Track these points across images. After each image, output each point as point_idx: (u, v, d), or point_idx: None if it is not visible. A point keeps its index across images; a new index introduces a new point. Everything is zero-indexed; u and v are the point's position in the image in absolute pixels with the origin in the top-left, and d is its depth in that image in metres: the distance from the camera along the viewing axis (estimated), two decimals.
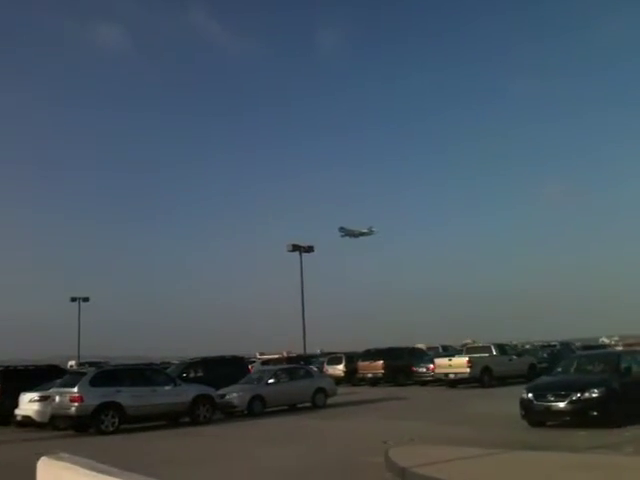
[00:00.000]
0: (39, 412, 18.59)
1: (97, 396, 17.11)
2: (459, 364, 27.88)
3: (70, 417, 17.18)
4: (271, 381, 21.56)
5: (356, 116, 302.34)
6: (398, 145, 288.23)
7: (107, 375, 18.44)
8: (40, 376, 21.53)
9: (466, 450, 10.28)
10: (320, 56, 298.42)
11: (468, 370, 27.42)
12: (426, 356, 34.50)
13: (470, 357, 28.07)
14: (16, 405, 19.34)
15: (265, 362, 40.98)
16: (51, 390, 18.56)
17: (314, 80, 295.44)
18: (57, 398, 17.49)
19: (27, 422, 19.06)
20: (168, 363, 70.30)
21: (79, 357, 70.61)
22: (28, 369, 23.25)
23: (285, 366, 25.49)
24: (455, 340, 56.08)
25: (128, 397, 17.59)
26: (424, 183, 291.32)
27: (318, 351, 66.21)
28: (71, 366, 78.14)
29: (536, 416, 13.78)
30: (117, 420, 17.24)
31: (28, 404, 18.98)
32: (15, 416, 19.32)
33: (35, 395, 18.91)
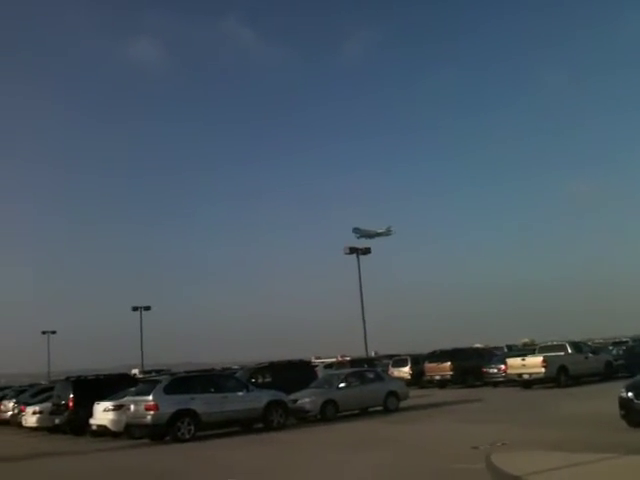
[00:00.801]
0: (114, 421, 18.59)
1: (172, 404, 16.96)
2: (533, 364, 26.79)
3: (146, 426, 17.07)
4: (342, 385, 21.09)
5: (376, 119, 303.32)
6: (428, 143, 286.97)
7: (181, 382, 18.29)
8: (112, 385, 21.65)
9: (574, 456, 9.51)
10: (345, 61, 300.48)
11: (543, 370, 26.33)
12: (494, 356, 33.46)
13: (545, 356, 26.95)
14: (89, 415, 19.42)
15: (328, 366, 40.55)
16: (125, 399, 18.54)
17: (339, 84, 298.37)
18: (132, 407, 17.41)
19: (102, 431, 19.12)
20: (229, 369, 71.07)
21: (142, 365, 71.46)
22: (99, 379, 23.43)
23: (355, 370, 24.94)
24: (505, 339, 54.03)
25: (202, 404, 17.39)
26: (459, 182, 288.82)
27: (373, 353, 65.31)
28: (134, 374, 79.66)
29: (637, 416, 12.85)
30: (193, 427, 17.05)
31: (103, 413, 19.01)
32: (90, 426, 19.41)
33: (109, 404, 18.92)
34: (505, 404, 22.06)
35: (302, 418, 20.27)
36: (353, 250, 46.94)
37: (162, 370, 79.06)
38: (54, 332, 79.71)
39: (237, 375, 25.34)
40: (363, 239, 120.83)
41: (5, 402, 27.89)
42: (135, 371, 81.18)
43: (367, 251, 47.65)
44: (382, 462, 11.35)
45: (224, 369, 70.81)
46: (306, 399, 20.20)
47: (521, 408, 20.02)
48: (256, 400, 18.56)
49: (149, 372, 67.97)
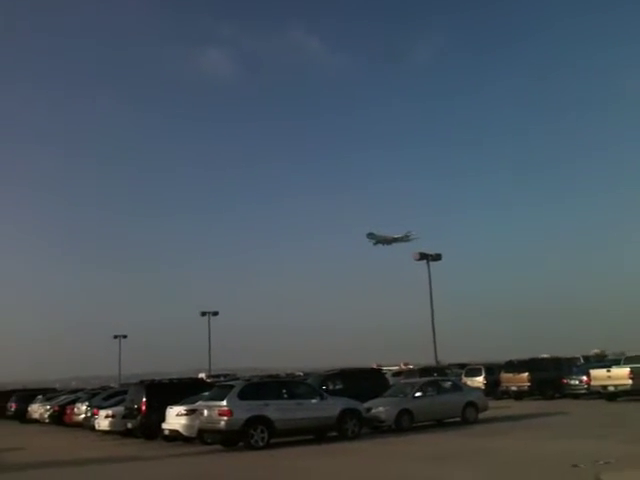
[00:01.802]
0: (187, 426, 18.32)
1: (246, 410, 16.55)
2: (620, 375, 25.30)
3: (219, 431, 16.72)
4: (418, 394, 20.24)
5: (442, 126, 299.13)
6: (493, 153, 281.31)
7: (254, 388, 17.85)
8: (184, 389, 21.43)
9: None
10: (413, 67, 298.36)
11: (630, 382, 24.84)
12: (574, 367, 31.83)
13: (632, 367, 25.36)
14: (162, 419, 19.23)
15: (396, 374, 39.59)
16: (198, 404, 18.26)
17: (407, 89, 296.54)
18: (205, 412, 17.10)
19: (174, 436, 18.89)
20: (293, 375, 70.76)
21: (210, 370, 72.15)
22: (172, 382, 23.33)
23: (432, 379, 24.02)
24: (572, 350, 51.16)
25: (276, 411, 16.92)
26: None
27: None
28: (202, 378, 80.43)
29: None
30: (266, 435, 16.59)
31: (175, 418, 18.78)
32: (162, 430, 19.23)
33: (182, 409, 18.68)
34: (592, 417, 20.72)
35: (376, 427, 19.56)
36: (423, 256, 45.64)
37: (228, 375, 79.73)
38: (125, 336, 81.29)
39: (308, 381, 24.86)
40: (380, 245, 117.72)
41: (78, 405, 28.24)
42: (202, 375, 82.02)
43: (438, 257, 46.11)
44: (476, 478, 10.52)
45: (288, 375, 71.01)
46: (380, 408, 19.48)
47: (612, 422, 18.69)
48: (330, 408, 17.98)
49: (217, 376, 68.63)
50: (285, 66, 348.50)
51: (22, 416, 36.77)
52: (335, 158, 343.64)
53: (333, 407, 18.04)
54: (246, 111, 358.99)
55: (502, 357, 39.80)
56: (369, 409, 19.26)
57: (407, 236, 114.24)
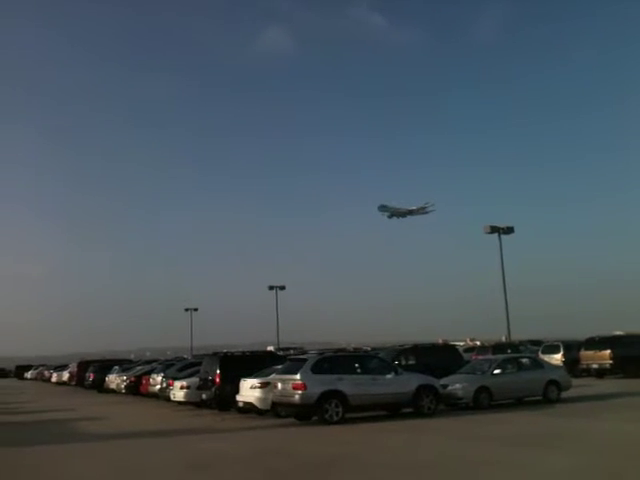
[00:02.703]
0: (260, 399, 18.25)
1: (320, 384, 16.26)
2: None
3: (293, 405, 16.52)
4: (497, 372, 19.45)
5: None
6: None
7: (328, 362, 17.50)
8: (257, 362, 21.44)
9: None
10: (475, 43, 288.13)
11: None
12: None
13: None
14: (236, 391, 19.24)
15: (468, 349, 38.70)
16: (272, 377, 18.14)
17: (471, 64, 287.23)
18: (279, 385, 16.93)
19: (248, 408, 18.89)
20: (359, 349, 70.62)
21: (278, 343, 72.96)
22: (245, 355, 23.35)
23: (511, 355, 23.15)
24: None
25: (350, 385, 16.56)
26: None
27: (503, 338, 62.03)
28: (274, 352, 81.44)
29: None
30: (341, 410, 16.27)
31: (249, 390, 18.74)
32: (236, 402, 19.25)
33: (256, 381, 18.60)
34: None
35: (452, 405, 18.96)
36: (495, 229, 44.06)
37: (295, 348, 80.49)
38: (196, 309, 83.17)
39: (380, 355, 24.43)
40: (395, 218, 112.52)
41: (154, 376, 28.76)
42: (270, 348, 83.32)
43: (510, 230, 44.44)
44: (578, 466, 9.73)
45: (356, 350, 70.94)
46: (457, 385, 18.83)
47: None
48: (406, 384, 17.49)
49: (287, 349, 69.29)
50: (346, 42, 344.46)
51: (100, 386, 37.96)
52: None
53: (409, 383, 17.54)
54: (305, 86, 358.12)
55: (563, 334, 38.23)
56: (445, 386, 18.66)
57: (424, 208, 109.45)
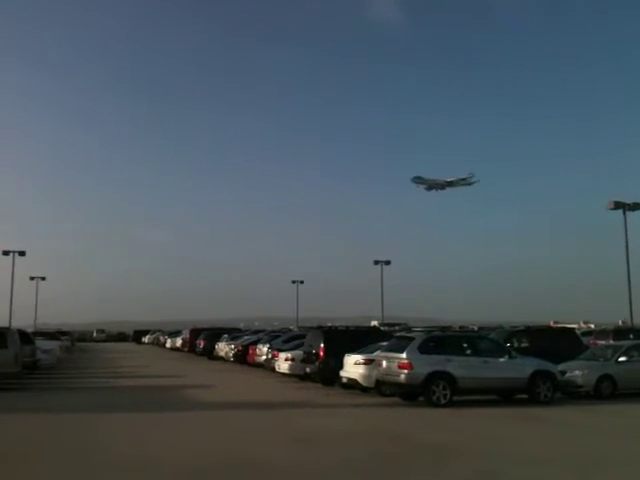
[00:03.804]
0: (364, 376, 17.84)
1: (427, 364, 15.57)
2: None
3: (398, 384, 15.97)
4: (622, 359, 17.91)
5: None
6: None
7: (436, 342, 16.76)
8: (361, 338, 21.08)
9: None
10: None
11: None
12: None
13: None
14: (340, 366, 18.96)
15: (585, 333, 36.36)
16: (376, 353, 17.67)
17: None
18: (384, 363, 16.40)
19: (351, 385, 18.55)
20: (465, 328, 68.91)
21: (383, 318, 72.62)
22: (349, 330, 23.02)
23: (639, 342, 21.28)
24: None
25: (459, 367, 15.75)
26: None
27: (620, 322, 58.16)
28: (373, 326, 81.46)
29: None
30: (449, 392, 15.51)
31: (353, 367, 18.38)
32: (340, 377, 18.97)
33: (360, 358, 18.20)
34: None
35: (570, 393, 17.68)
36: (619, 205, 40.40)
37: (400, 324, 79.81)
38: (302, 282, 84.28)
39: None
40: (434, 191, 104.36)
41: (260, 346, 29.11)
42: (375, 323, 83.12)
43: (637, 206, 40.58)
44: None
45: (462, 329, 69.25)
46: (577, 372, 17.53)
47: None
48: (520, 368, 16.44)
49: (392, 325, 68.76)
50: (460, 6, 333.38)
51: (210, 353, 39.09)
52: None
53: (523, 368, 16.47)
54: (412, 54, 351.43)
55: None
56: (563, 372, 17.42)
57: (464, 180, 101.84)
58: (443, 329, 56.79)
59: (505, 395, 16.95)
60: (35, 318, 78.39)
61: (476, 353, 16.50)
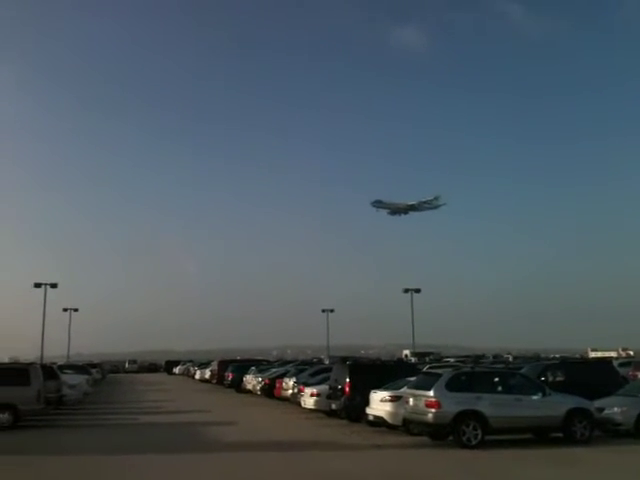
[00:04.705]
0: (391, 414, 17.21)
1: (455, 402, 14.86)
2: None
3: (426, 424, 15.25)
4: None
5: None
6: None
7: (465, 378, 16.03)
8: (388, 372, 20.57)
9: None
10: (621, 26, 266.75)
11: None
12: None
13: None
14: (366, 402, 18.39)
15: (624, 364, 34.96)
16: (403, 390, 17.05)
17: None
18: (411, 401, 15.74)
19: (378, 422, 17.89)
20: (499, 357, 67.29)
21: (414, 347, 71.50)
22: (375, 364, 22.41)
23: None
24: None
25: (490, 406, 14.98)
26: None
27: None
28: (406, 355, 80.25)
29: None
30: (480, 432, 14.73)
31: (379, 403, 17.76)
32: (366, 415, 18.34)
33: (386, 394, 17.59)
34: None
35: (608, 431, 16.71)
36: None
37: (432, 353, 78.48)
38: (332, 310, 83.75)
39: (523, 371, 22.44)
40: (396, 216, 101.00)
41: (286, 380, 28.59)
42: (406, 352, 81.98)
43: None
44: None
45: (495, 357, 67.69)
46: (616, 409, 16.57)
47: None
48: (555, 406, 15.59)
49: (422, 355, 67.56)
50: (483, 37, 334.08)
51: (238, 386, 38.64)
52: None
53: (558, 405, 15.63)
54: (442, 82, 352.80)
55: None
56: (601, 409, 16.49)
57: (428, 202, 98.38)
58: (477, 359, 55.74)
59: (539, 434, 16.11)
60: (68, 349, 79.19)
61: (508, 390, 15.73)
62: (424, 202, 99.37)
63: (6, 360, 60.24)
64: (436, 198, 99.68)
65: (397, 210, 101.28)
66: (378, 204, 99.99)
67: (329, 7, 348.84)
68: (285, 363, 47.16)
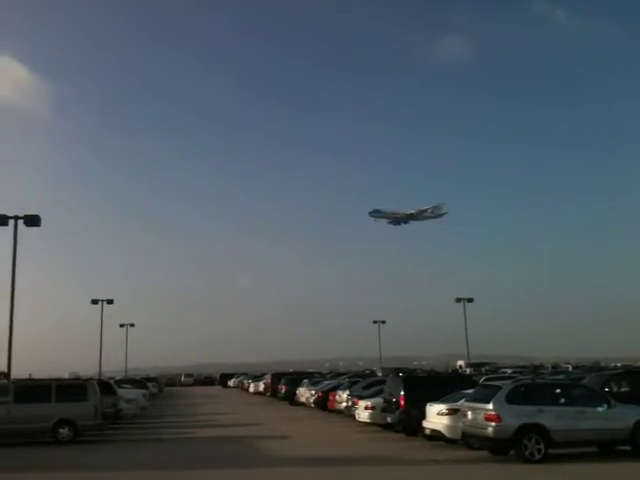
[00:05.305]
0: (449, 427, 16.70)
1: (516, 416, 14.31)
2: None
3: (486, 438, 14.72)
4: None
5: None
6: None
7: (525, 390, 15.39)
8: (443, 385, 20.13)
9: None
10: None
11: None
12: None
13: None
14: (422, 415, 17.93)
15: None
16: (460, 403, 16.55)
17: None
18: (469, 414, 15.25)
19: (436, 436, 17.40)
20: (558, 367, 65.33)
21: (468, 357, 70.12)
22: (431, 376, 21.97)
23: None
24: None
25: (553, 419, 14.38)
26: None
27: None
28: (460, 366, 78.90)
29: None
30: (543, 446, 14.14)
31: (436, 417, 17.27)
32: (423, 428, 17.89)
33: (443, 408, 17.09)
34: None
35: None
36: None
37: (487, 363, 76.91)
38: (384, 322, 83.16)
39: (585, 382, 21.58)
40: (401, 224, 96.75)
41: (339, 392, 28.31)
42: (461, 363, 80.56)
43: None
44: None
45: (554, 367, 65.73)
46: None
47: None
48: (621, 418, 14.88)
49: (478, 365, 66.28)
50: (526, 42, 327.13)
51: (291, 398, 38.58)
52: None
53: (625, 417, 14.91)
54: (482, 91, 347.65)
55: None
56: None
57: (425, 211, 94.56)
58: (535, 369, 54.17)
59: (605, 447, 15.40)
60: (126, 364, 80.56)
61: (570, 402, 15.07)
62: (423, 210, 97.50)
63: (66, 376, 61.63)
64: (437, 207, 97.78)
65: (396, 219, 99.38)
66: (377, 214, 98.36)
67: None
68: (338, 375, 46.86)
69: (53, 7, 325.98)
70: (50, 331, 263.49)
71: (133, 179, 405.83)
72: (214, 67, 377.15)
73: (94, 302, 63.53)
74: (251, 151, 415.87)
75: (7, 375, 29.70)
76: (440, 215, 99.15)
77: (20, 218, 30.55)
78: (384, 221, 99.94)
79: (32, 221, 30.88)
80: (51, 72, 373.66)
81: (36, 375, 38.34)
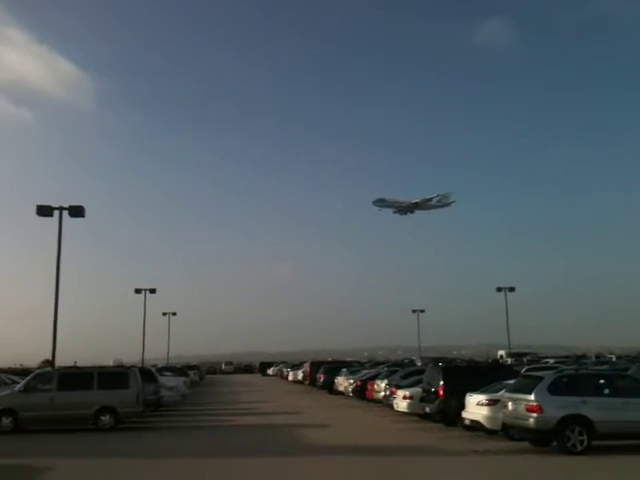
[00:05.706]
0: (489, 418, 16.48)
1: (559, 407, 14.03)
2: None
3: (527, 429, 14.46)
4: None
5: None
6: None
7: (568, 381, 15.07)
8: (482, 375, 19.89)
9: None
10: None
11: None
12: None
13: None
14: (461, 406, 17.78)
15: None
16: (500, 393, 16.32)
17: None
18: (510, 405, 15.02)
19: (475, 427, 17.21)
20: (601, 357, 63.89)
21: (509, 347, 69.14)
22: (470, 366, 21.71)
23: None
24: None
25: (596, 410, 14.04)
26: None
27: None
28: (501, 356, 77.89)
29: None
30: (586, 438, 13.84)
31: (476, 407, 17.07)
32: (462, 419, 17.72)
33: (483, 398, 16.88)
34: None
35: None
36: None
37: (528, 353, 75.67)
38: (422, 311, 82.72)
39: (630, 372, 21.08)
40: (399, 214, 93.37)
41: (378, 382, 28.23)
42: (502, 353, 79.49)
43: None
44: None
45: (597, 357, 64.29)
46: None
47: None
48: None
49: (519, 355, 65.28)
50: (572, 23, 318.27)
51: (330, 387, 38.68)
52: None
53: None
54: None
55: None
56: None
57: (430, 200, 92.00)
58: (578, 359, 53.06)
59: None
60: (168, 352, 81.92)
61: (615, 393, 14.68)
62: (428, 199, 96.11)
63: (111, 363, 62.98)
64: (445, 195, 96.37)
65: (401, 209, 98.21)
66: (381, 203, 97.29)
67: None
68: (376, 364, 46.79)
69: (100, 5, 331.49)
70: (95, 320, 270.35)
71: (177, 172, 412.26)
72: (258, 62, 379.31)
73: (137, 291, 64.65)
74: (295, 143, 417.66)
75: (52, 363, 30.48)
76: (447, 204, 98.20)
77: (65, 209, 31.22)
78: (389, 210, 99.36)
79: (76, 212, 31.52)
80: (98, 68, 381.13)
81: (81, 363, 39.10)
